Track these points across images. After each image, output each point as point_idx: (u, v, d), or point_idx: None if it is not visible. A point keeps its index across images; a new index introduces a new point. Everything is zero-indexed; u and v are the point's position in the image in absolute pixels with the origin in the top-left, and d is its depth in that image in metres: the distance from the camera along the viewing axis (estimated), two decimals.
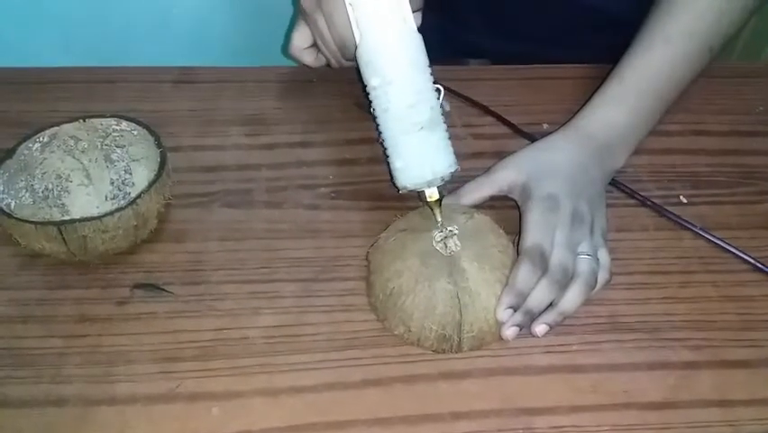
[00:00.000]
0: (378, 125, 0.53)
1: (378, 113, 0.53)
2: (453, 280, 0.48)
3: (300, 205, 0.59)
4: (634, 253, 0.56)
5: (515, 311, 0.49)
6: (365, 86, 0.53)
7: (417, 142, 0.52)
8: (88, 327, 0.50)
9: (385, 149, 0.54)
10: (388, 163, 0.54)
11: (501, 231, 0.53)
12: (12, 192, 0.54)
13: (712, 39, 0.58)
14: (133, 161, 0.58)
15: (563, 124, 0.60)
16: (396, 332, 0.50)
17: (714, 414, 0.47)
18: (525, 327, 0.49)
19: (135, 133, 0.57)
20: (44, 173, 0.56)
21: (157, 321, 0.51)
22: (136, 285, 0.53)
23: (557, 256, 0.51)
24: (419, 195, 0.53)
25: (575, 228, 0.52)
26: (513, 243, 0.53)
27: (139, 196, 0.51)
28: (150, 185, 0.52)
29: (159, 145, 0.55)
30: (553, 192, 0.53)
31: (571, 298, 0.50)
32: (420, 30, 0.52)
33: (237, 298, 0.52)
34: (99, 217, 0.50)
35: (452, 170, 0.53)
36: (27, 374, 0.48)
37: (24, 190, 0.55)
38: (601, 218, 0.55)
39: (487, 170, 0.58)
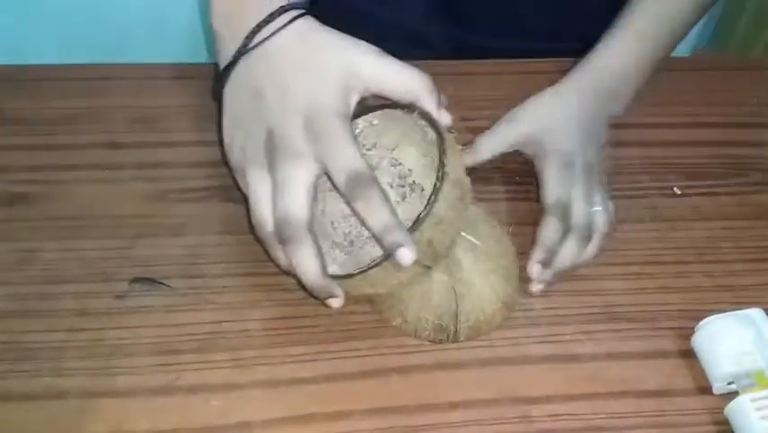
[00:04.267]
0: None
1: None
2: (449, 270, 0.49)
3: None
4: (629, 243, 0.57)
5: (543, 267, 0.51)
6: None
7: None
8: (88, 320, 0.51)
9: None
10: None
11: (495, 222, 0.53)
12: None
13: None
14: (390, 149, 0.51)
15: (570, 70, 0.61)
16: (393, 323, 0.50)
17: (709, 402, 0.48)
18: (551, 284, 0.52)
19: (375, 122, 0.50)
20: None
21: (156, 314, 0.51)
22: (134, 279, 0.53)
23: (579, 213, 0.53)
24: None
25: (589, 182, 0.54)
26: (507, 233, 0.53)
27: (441, 167, 0.43)
28: (441, 151, 0.44)
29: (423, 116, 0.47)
30: (567, 147, 0.55)
31: (591, 251, 0.53)
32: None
33: (235, 291, 0.53)
34: (428, 210, 0.43)
35: None
36: (28, 368, 0.48)
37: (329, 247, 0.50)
38: (601, 164, 0.57)
39: (497, 124, 0.58)
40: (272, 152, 0.44)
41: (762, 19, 1.11)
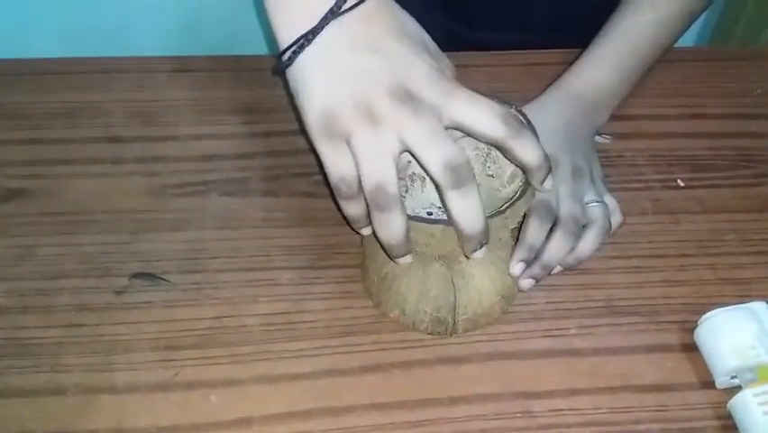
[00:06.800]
0: None
1: None
2: (447, 262, 0.48)
3: (296, 193, 0.59)
4: (631, 237, 0.56)
5: (526, 265, 0.51)
6: None
7: None
8: (87, 316, 0.51)
9: None
10: None
11: None
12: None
13: (693, 5, 0.62)
14: None
15: (551, 85, 0.61)
16: (391, 315, 0.50)
17: (711, 396, 0.47)
18: (541, 279, 0.51)
19: None
20: None
21: (155, 310, 0.51)
22: (134, 274, 0.53)
23: (566, 208, 0.53)
24: None
25: (577, 181, 0.55)
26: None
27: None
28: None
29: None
30: (550, 153, 0.54)
31: (588, 243, 0.53)
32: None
33: (235, 286, 0.52)
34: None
35: None
36: (27, 364, 0.48)
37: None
38: (597, 168, 0.58)
39: None
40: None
41: (762, 18, 1.10)
